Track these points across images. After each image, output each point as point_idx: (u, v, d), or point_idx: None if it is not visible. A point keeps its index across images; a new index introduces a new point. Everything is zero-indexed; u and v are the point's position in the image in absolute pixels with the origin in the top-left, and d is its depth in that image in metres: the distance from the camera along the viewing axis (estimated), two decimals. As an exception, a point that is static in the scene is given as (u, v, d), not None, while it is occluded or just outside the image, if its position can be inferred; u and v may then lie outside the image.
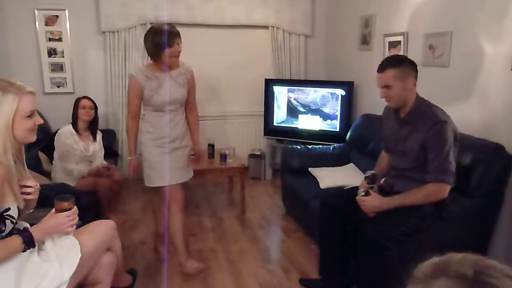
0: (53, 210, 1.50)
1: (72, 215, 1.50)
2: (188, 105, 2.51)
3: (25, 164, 1.55)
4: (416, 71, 2.04)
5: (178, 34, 2.25)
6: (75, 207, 1.53)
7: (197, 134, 2.61)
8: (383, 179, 2.28)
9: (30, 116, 1.42)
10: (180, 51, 2.29)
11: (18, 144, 1.46)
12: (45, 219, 1.49)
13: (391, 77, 1.97)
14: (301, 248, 2.90)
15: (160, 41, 2.19)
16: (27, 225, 1.52)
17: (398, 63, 1.99)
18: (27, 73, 3.93)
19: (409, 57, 3.17)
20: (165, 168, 2.38)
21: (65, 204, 1.50)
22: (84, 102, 3.13)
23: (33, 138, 1.47)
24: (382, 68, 2.00)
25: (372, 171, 2.20)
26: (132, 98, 2.35)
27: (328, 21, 4.68)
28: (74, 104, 3.14)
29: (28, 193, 1.51)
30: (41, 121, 1.47)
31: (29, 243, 1.41)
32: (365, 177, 2.16)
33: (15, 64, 3.88)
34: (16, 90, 1.38)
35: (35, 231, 1.44)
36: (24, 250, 1.41)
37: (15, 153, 1.44)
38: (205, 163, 3.34)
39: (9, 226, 1.41)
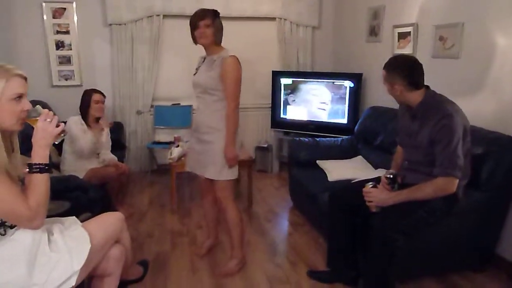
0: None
1: (46, 117, 1.42)
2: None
3: (19, 154, 1.51)
4: (407, 77, 1.98)
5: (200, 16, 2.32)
6: (46, 110, 1.45)
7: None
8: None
9: (17, 100, 1.37)
10: (201, 32, 2.34)
11: (5, 132, 1.40)
12: (32, 140, 1.42)
13: (384, 78, 2.07)
14: (308, 241, 2.89)
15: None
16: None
17: (390, 67, 2.03)
18: (35, 66, 3.95)
19: (418, 48, 3.17)
20: None
21: (38, 118, 1.42)
22: (97, 97, 3.14)
23: (18, 126, 1.41)
24: (383, 66, 2.07)
25: (392, 171, 2.11)
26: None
27: (335, 13, 4.63)
28: (84, 97, 3.14)
29: None
30: (30, 106, 1.41)
31: (41, 169, 1.39)
32: (386, 177, 2.06)
33: (23, 57, 3.89)
34: (4, 72, 1.35)
35: (33, 156, 1.40)
36: (48, 171, 1.41)
37: (6, 145, 1.39)
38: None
39: (9, 231, 1.39)
